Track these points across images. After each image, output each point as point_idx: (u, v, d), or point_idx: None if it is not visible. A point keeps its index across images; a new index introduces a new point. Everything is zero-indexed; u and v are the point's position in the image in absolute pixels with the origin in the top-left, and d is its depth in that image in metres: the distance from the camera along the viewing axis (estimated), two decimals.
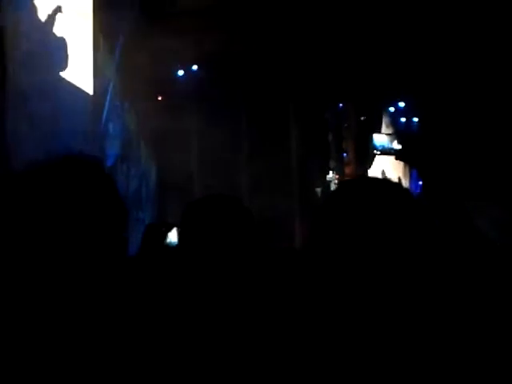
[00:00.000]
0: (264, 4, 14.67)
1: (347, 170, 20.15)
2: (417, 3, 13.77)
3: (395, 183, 1.74)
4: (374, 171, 18.17)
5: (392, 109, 21.38)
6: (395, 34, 15.09)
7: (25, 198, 1.63)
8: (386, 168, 17.90)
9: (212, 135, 15.86)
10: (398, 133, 18.56)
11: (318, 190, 19.19)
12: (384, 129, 19.83)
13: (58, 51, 11.98)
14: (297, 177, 18.53)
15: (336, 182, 20.04)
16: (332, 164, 20.11)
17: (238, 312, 2.04)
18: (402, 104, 21.48)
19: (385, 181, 1.75)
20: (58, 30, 12.07)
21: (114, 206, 1.71)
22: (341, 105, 20.03)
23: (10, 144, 10.68)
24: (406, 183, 16.80)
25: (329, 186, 19.80)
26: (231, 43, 15.08)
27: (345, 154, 20.12)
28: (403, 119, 21.91)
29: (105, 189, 1.75)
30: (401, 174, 18.79)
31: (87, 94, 12.56)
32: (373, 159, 19.28)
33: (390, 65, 16.74)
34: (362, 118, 19.88)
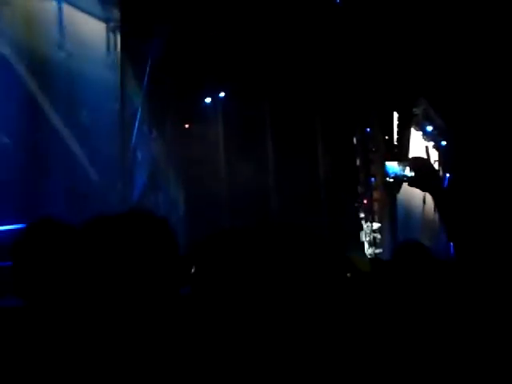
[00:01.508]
0: (292, 27, 14.73)
1: (376, 195, 20.08)
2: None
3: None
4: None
5: (420, 132, 21.36)
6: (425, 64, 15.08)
7: (95, 246, 1.76)
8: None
9: (239, 160, 15.87)
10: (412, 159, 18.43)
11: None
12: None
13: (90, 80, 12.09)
14: (325, 202, 18.47)
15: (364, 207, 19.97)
16: (360, 189, 20.04)
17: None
18: (430, 128, 21.44)
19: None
20: (88, 60, 12.19)
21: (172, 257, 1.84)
22: (368, 129, 20.00)
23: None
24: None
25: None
26: (259, 66, 15.14)
27: (373, 179, 20.05)
28: (431, 143, 21.87)
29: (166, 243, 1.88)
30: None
31: (116, 121, 12.67)
32: (401, 184, 19.19)
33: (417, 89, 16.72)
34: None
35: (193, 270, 2.19)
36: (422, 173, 2.79)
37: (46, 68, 11.44)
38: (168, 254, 1.84)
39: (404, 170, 3.10)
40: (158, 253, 1.81)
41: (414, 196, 19.71)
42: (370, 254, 19.06)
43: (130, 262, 1.74)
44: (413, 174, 2.88)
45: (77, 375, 1.71)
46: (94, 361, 1.71)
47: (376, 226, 19.87)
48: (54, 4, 11.39)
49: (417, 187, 2.87)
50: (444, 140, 21.73)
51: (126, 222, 1.80)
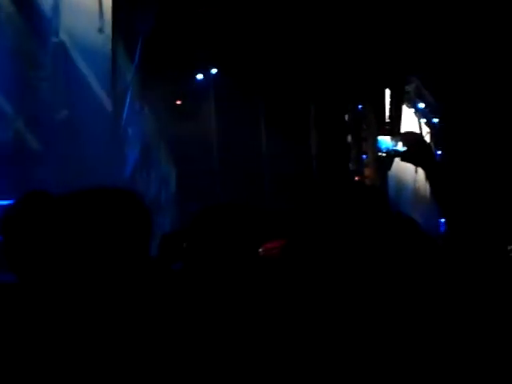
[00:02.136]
0: (284, 5, 14.67)
1: (367, 172, 20.09)
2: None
3: None
4: None
5: (412, 109, 21.35)
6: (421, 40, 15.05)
7: (75, 219, 1.83)
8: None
9: (232, 138, 15.86)
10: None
11: None
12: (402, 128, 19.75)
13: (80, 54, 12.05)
14: (317, 179, 18.48)
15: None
16: (352, 166, 20.05)
17: (237, 315, 2.05)
18: (422, 105, 21.44)
19: None
20: (79, 30, 12.12)
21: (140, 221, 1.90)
22: (360, 106, 19.98)
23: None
24: None
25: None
26: (250, 44, 15.09)
27: (364, 156, 20.05)
28: (423, 120, 21.88)
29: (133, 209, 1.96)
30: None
31: (107, 97, 12.61)
32: (392, 160, 19.21)
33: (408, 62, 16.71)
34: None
35: (184, 245, 2.19)
36: (415, 147, 2.78)
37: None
38: (141, 227, 1.94)
39: (396, 145, 3.09)
40: (132, 226, 1.90)
41: (405, 173, 19.73)
42: None
43: (104, 235, 1.81)
44: (405, 148, 2.88)
45: (68, 355, 1.71)
46: (83, 340, 1.72)
47: None
48: None
49: (409, 162, 2.87)
50: (435, 117, 21.73)
51: (104, 198, 1.88)
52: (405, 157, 2.90)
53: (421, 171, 2.89)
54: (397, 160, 3.09)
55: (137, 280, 1.78)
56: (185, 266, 2.14)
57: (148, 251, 1.96)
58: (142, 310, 1.78)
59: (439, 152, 19.59)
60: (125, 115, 13.48)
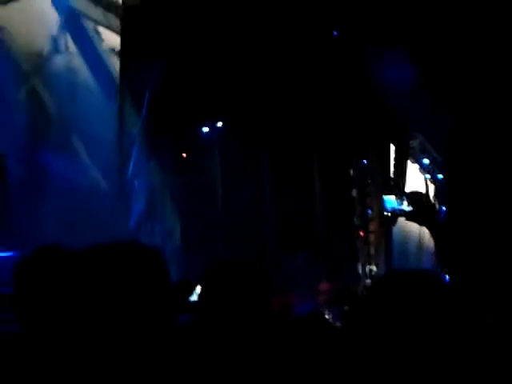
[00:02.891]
0: (286, 59, 14.82)
1: (371, 227, 20.07)
2: None
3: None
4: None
5: (416, 165, 21.40)
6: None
7: (89, 275, 1.84)
8: None
9: (236, 192, 15.89)
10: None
11: None
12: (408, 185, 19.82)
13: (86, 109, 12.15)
14: (322, 234, 18.46)
15: (361, 239, 19.97)
16: (356, 221, 20.04)
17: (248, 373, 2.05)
18: (426, 161, 21.50)
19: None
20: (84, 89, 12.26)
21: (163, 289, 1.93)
22: (365, 161, 20.04)
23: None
24: None
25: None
26: (256, 98, 15.21)
27: (369, 211, 20.06)
28: (428, 176, 21.92)
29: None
30: None
31: (114, 150, 12.70)
32: (397, 217, 19.22)
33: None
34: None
35: (196, 298, 2.21)
36: (421, 207, 2.81)
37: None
38: (159, 285, 1.91)
39: (402, 204, 3.11)
40: (150, 283, 1.88)
41: (410, 229, 19.72)
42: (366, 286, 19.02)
43: (122, 291, 1.81)
44: (411, 208, 2.91)
45: None
46: None
47: (372, 257, 19.88)
48: None
49: (414, 221, 2.89)
50: (440, 173, 21.78)
51: (121, 253, 1.88)
52: (410, 216, 2.93)
53: (424, 228, 2.92)
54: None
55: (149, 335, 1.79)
56: (195, 320, 2.14)
57: (166, 308, 1.95)
58: (149, 364, 1.78)
59: (444, 208, 19.63)
60: (131, 168, 13.55)
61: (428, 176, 21.92)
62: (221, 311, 2.07)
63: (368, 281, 19.64)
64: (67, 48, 12.04)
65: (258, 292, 2.09)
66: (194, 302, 2.52)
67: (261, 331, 2.08)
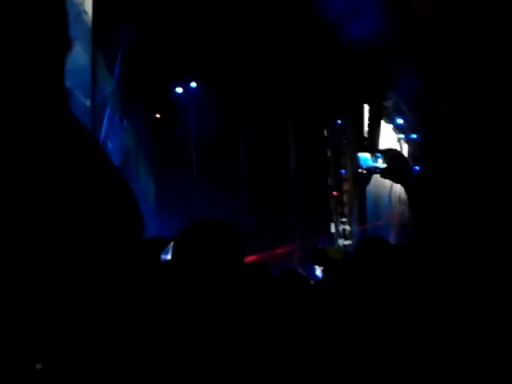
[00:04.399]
0: (262, 19, 14.73)
1: (345, 187, 20.17)
2: None
3: None
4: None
5: (390, 125, 21.46)
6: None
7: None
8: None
9: (210, 151, 15.87)
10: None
11: None
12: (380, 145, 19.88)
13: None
14: (295, 194, 18.52)
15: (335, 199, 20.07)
16: (330, 181, 20.12)
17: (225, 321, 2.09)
18: (400, 121, 21.56)
19: None
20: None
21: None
22: (339, 121, 20.08)
23: None
24: None
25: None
26: (229, 57, 15.13)
27: (343, 171, 20.14)
28: (401, 136, 22.00)
29: None
30: None
31: (86, 110, 12.57)
32: (371, 176, 19.28)
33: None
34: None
35: (169, 256, 2.25)
36: (395, 164, 2.84)
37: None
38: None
39: (376, 162, 3.13)
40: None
41: (382, 187, 19.84)
42: (339, 246, 19.16)
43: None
44: (385, 165, 2.93)
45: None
46: None
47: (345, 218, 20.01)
48: None
49: (389, 178, 2.92)
50: (414, 133, 21.87)
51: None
52: (385, 174, 2.95)
53: (397, 185, 2.95)
54: (375, 175, 3.13)
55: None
56: (169, 273, 2.18)
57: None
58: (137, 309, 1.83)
59: (417, 167, 19.72)
60: (104, 128, 13.47)
61: (402, 136, 22.01)
62: (194, 270, 2.10)
63: (341, 240, 19.79)
64: None
65: (230, 252, 2.12)
66: (168, 260, 2.54)
67: (235, 289, 2.11)
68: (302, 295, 2.87)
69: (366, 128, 20.27)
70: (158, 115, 16.34)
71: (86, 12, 12.60)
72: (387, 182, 3.06)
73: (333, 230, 19.85)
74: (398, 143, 21.36)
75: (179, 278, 2.14)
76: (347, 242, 19.55)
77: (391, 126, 21.68)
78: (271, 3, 14.89)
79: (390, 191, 19.25)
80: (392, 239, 14.96)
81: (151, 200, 16.43)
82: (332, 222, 19.91)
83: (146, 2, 13.37)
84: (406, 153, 21.03)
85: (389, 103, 20.93)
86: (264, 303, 2.46)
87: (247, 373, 1.93)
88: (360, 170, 3.15)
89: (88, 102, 12.58)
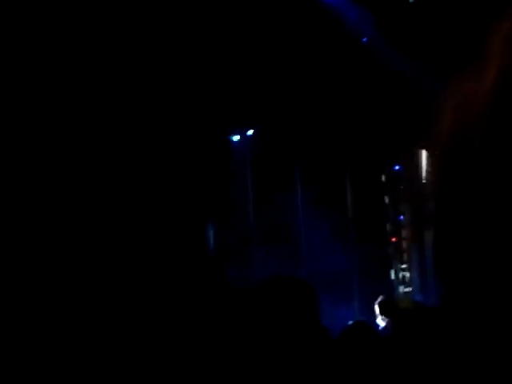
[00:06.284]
0: (316, 66, 14.81)
1: (404, 233, 19.96)
2: None
3: None
4: None
5: None
6: None
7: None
8: None
9: (268, 200, 15.90)
10: None
11: None
12: None
13: None
14: (354, 241, 18.41)
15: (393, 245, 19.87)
16: (389, 227, 19.95)
17: None
18: None
19: None
20: None
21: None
22: (397, 167, 19.96)
23: None
24: None
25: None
26: (286, 105, 15.23)
27: (402, 217, 19.96)
28: None
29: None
30: None
31: None
32: (431, 223, 18.98)
33: None
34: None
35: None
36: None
37: None
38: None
39: None
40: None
41: None
42: (400, 293, 18.93)
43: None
44: None
45: None
46: None
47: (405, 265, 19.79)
48: None
49: None
50: None
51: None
52: None
53: None
54: None
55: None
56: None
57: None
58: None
59: None
60: None
61: None
62: (270, 325, 2.11)
63: (401, 287, 19.54)
64: None
65: (306, 307, 2.13)
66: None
67: (310, 344, 2.11)
68: (373, 349, 2.83)
69: (424, 174, 20.11)
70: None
71: None
72: None
73: (392, 276, 19.62)
74: None
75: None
76: (407, 289, 19.30)
77: None
78: (331, 57, 14.98)
79: None
80: None
81: (210, 247, 16.44)
82: (391, 268, 19.69)
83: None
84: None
85: None
86: (336, 355, 2.43)
87: None
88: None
89: None
